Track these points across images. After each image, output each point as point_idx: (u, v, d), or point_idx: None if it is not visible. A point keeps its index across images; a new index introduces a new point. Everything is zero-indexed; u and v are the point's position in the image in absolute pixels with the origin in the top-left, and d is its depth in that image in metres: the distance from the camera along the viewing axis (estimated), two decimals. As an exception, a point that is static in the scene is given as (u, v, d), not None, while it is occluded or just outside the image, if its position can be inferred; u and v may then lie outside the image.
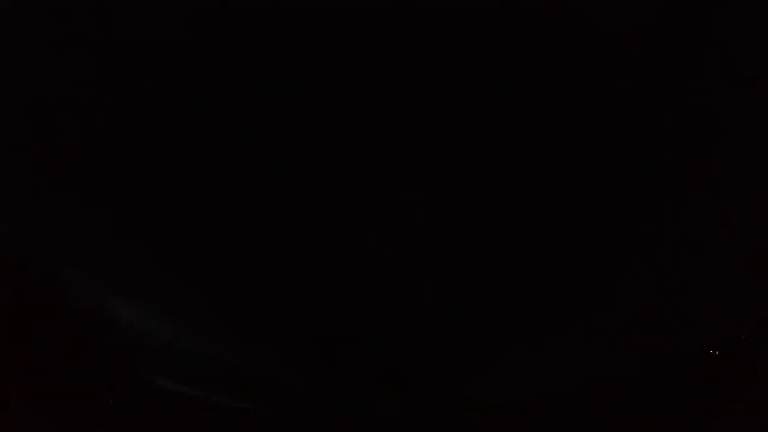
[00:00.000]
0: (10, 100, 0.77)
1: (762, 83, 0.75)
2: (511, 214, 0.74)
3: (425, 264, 0.73)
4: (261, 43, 0.76)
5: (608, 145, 0.75)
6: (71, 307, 0.73)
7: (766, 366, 0.71)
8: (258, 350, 0.73)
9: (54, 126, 0.76)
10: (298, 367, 0.73)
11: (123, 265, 0.74)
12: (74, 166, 0.76)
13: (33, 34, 0.77)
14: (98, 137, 0.76)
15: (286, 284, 0.74)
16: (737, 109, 0.76)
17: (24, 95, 0.77)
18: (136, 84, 0.76)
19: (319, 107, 0.76)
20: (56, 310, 0.73)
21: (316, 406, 0.72)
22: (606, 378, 0.71)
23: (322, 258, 0.74)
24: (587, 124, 0.75)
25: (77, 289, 0.74)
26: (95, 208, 0.76)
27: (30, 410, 0.70)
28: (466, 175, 0.75)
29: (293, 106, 0.76)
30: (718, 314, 0.72)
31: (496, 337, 0.72)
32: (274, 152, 0.76)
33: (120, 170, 0.76)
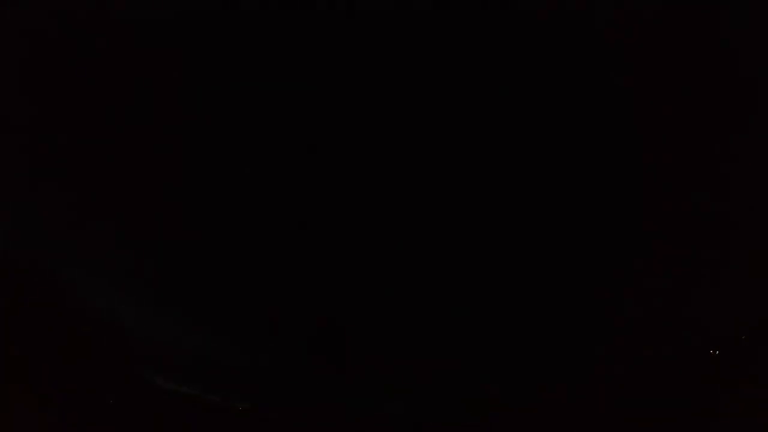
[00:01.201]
0: (11, 101, 0.77)
1: (762, 83, 0.75)
2: (510, 214, 0.73)
3: (426, 265, 0.73)
4: (259, 44, 0.76)
5: (608, 144, 0.75)
6: (71, 307, 0.73)
7: (766, 366, 0.71)
8: (258, 351, 0.73)
9: (54, 126, 0.76)
10: (298, 367, 0.73)
11: (123, 265, 0.74)
12: (74, 167, 0.76)
13: (33, 35, 0.77)
14: (98, 138, 0.76)
15: (287, 285, 0.74)
16: (737, 109, 0.75)
17: (24, 96, 0.77)
18: (136, 85, 0.76)
19: (317, 107, 0.76)
20: (56, 310, 0.73)
21: (316, 406, 0.72)
22: (606, 378, 0.71)
23: (322, 260, 0.74)
24: (587, 123, 0.75)
25: (77, 289, 0.74)
26: (95, 208, 0.76)
27: (30, 410, 0.70)
28: (466, 175, 0.75)
29: (292, 106, 0.76)
30: (718, 314, 0.72)
31: (495, 337, 0.72)
32: (271, 152, 0.76)
33: (119, 171, 0.75)
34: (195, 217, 0.74)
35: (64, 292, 0.73)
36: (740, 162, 0.75)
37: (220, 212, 0.74)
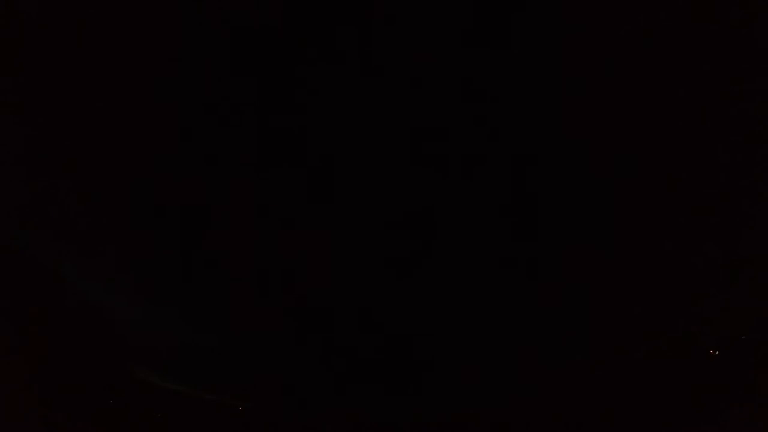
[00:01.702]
0: (10, 101, 0.77)
1: (762, 83, 0.75)
2: (510, 214, 0.73)
3: (425, 264, 0.73)
4: (259, 44, 0.76)
5: (609, 144, 0.75)
6: (71, 307, 0.73)
7: (766, 366, 0.71)
8: (258, 351, 0.73)
9: (54, 127, 0.76)
10: (297, 367, 0.73)
11: (122, 265, 0.74)
12: (74, 167, 0.76)
13: (34, 35, 0.77)
14: (98, 138, 0.76)
15: (287, 286, 0.74)
16: (737, 109, 0.75)
17: (24, 96, 0.77)
18: (136, 84, 0.76)
19: (320, 107, 0.76)
20: (56, 310, 0.73)
21: (316, 406, 0.72)
22: (606, 378, 0.71)
23: (322, 260, 0.74)
24: (587, 123, 0.75)
25: (77, 289, 0.74)
26: (95, 208, 0.76)
27: (30, 410, 0.70)
28: (466, 175, 0.75)
29: (295, 106, 0.76)
30: (719, 314, 0.72)
31: (496, 337, 0.72)
32: (270, 152, 0.76)
33: (119, 171, 0.75)
34: (195, 217, 0.74)
35: (64, 292, 0.73)
36: (740, 162, 0.75)
37: (221, 212, 0.74)
